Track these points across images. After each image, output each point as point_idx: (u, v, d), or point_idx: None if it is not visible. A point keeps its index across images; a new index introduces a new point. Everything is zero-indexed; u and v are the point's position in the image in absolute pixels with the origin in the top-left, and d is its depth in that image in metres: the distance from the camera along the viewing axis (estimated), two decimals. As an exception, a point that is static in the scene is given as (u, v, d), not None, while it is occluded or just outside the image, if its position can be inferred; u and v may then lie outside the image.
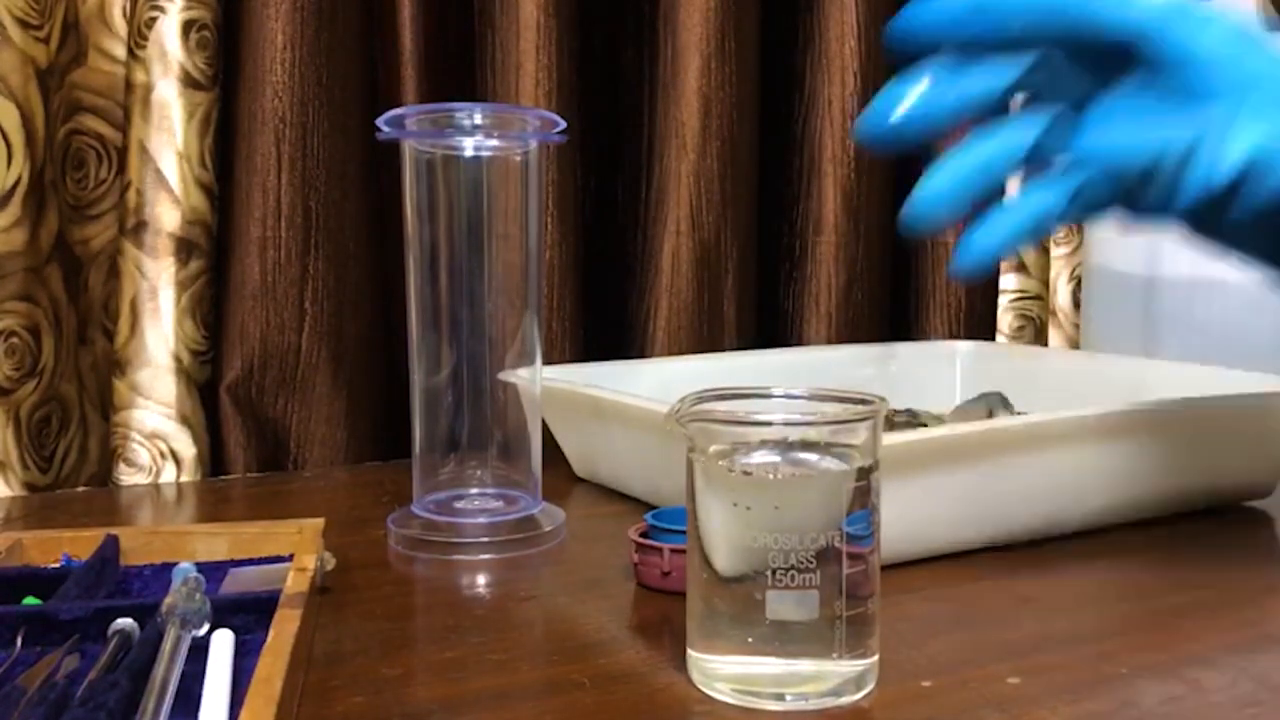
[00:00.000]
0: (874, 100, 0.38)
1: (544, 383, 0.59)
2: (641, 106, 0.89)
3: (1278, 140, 0.35)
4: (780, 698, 0.36)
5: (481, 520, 0.56)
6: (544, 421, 0.61)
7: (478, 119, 0.55)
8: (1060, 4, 0.37)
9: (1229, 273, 0.89)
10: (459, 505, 0.58)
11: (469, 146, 0.55)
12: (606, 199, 0.90)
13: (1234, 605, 0.47)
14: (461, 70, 0.82)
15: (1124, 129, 0.36)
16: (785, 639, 0.36)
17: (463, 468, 0.59)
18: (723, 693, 0.37)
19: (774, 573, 0.35)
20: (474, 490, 0.59)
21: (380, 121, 0.54)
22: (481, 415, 0.58)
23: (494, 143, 0.56)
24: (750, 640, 0.36)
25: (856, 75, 0.92)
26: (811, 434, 0.36)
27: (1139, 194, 0.36)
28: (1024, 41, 0.38)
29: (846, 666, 0.36)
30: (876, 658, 0.37)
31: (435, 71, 0.80)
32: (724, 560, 0.37)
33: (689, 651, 0.38)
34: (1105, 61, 0.38)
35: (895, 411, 0.72)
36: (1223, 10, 0.37)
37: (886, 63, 0.95)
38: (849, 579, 0.36)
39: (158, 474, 0.71)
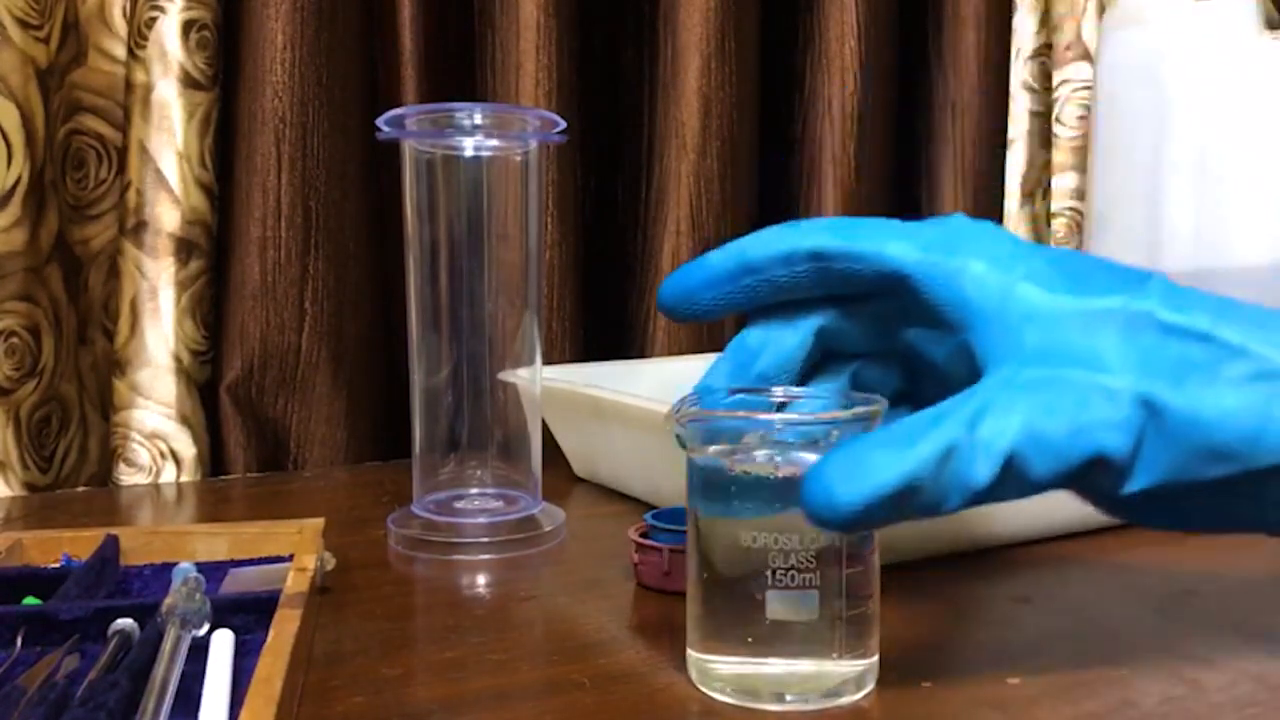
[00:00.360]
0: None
1: (544, 383, 0.59)
2: (641, 106, 0.89)
3: (1037, 431, 0.32)
4: (780, 698, 0.36)
5: (481, 520, 0.56)
6: (544, 421, 0.61)
7: (478, 119, 0.55)
8: (817, 249, 0.37)
9: (1229, 272, 0.89)
10: (459, 505, 0.58)
11: (469, 146, 0.55)
12: (606, 199, 0.90)
13: (1234, 605, 0.47)
14: (461, 70, 0.82)
15: (859, 477, 0.32)
16: (785, 639, 0.36)
17: (463, 468, 0.59)
18: (722, 693, 0.37)
19: (774, 573, 0.35)
20: (474, 490, 0.59)
21: (380, 121, 0.54)
22: (481, 415, 0.58)
23: (494, 143, 0.56)
24: (750, 640, 0.36)
25: (856, 75, 0.92)
26: (812, 434, 0.36)
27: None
28: (797, 292, 0.38)
29: (847, 667, 0.36)
30: (876, 658, 0.37)
31: (435, 71, 0.80)
32: (724, 560, 0.37)
33: (688, 651, 0.38)
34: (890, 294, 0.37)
35: (895, 411, 0.72)
36: (981, 232, 0.36)
37: (883, 65, 0.95)
38: (849, 579, 0.36)
39: (158, 474, 0.71)
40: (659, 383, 0.67)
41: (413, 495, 0.58)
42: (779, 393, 0.39)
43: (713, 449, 0.37)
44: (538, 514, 0.57)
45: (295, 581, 0.42)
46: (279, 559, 0.48)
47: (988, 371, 0.34)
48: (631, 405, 0.59)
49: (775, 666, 0.36)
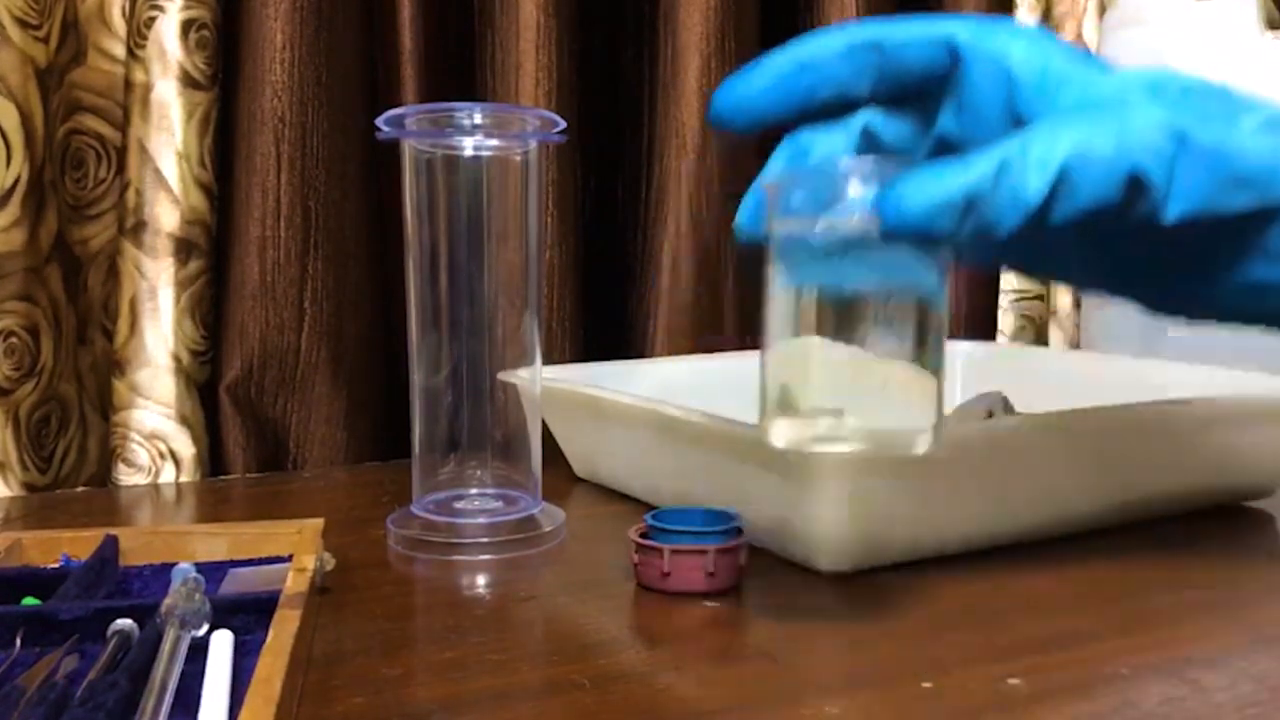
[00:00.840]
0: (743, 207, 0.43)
1: (544, 383, 0.59)
2: (641, 106, 0.89)
3: (1084, 148, 0.35)
4: (857, 443, 0.37)
5: (481, 520, 0.56)
6: (544, 421, 0.61)
7: (478, 119, 0.55)
8: (876, 39, 0.39)
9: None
10: (459, 505, 0.58)
11: (469, 146, 0.55)
12: (606, 199, 0.90)
13: (1234, 605, 0.47)
14: (461, 70, 0.82)
15: (923, 186, 0.35)
16: (872, 388, 0.37)
17: (462, 468, 0.59)
18: (810, 445, 0.38)
19: (873, 315, 0.37)
20: (474, 490, 0.59)
21: (380, 121, 0.54)
22: (481, 415, 0.58)
23: (494, 143, 0.56)
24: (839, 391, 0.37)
25: (856, 75, 0.92)
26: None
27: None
28: (851, 90, 0.39)
29: (927, 419, 0.37)
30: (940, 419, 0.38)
31: (435, 71, 0.80)
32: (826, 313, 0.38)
33: (766, 420, 0.39)
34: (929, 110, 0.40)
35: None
36: (1022, 27, 0.39)
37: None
38: (934, 337, 0.37)
39: (157, 474, 0.71)
40: (659, 383, 0.67)
41: (412, 495, 0.58)
42: (851, 162, 0.40)
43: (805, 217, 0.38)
44: (538, 514, 0.57)
45: (295, 582, 0.42)
46: (279, 559, 0.48)
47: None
48: (631, 405, 0.59)
49: (858, 416, 0.37)
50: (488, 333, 0.57)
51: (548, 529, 0.56)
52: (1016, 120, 0.37)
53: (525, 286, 0.57)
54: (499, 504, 0.58)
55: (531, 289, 0.57)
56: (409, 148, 0.55)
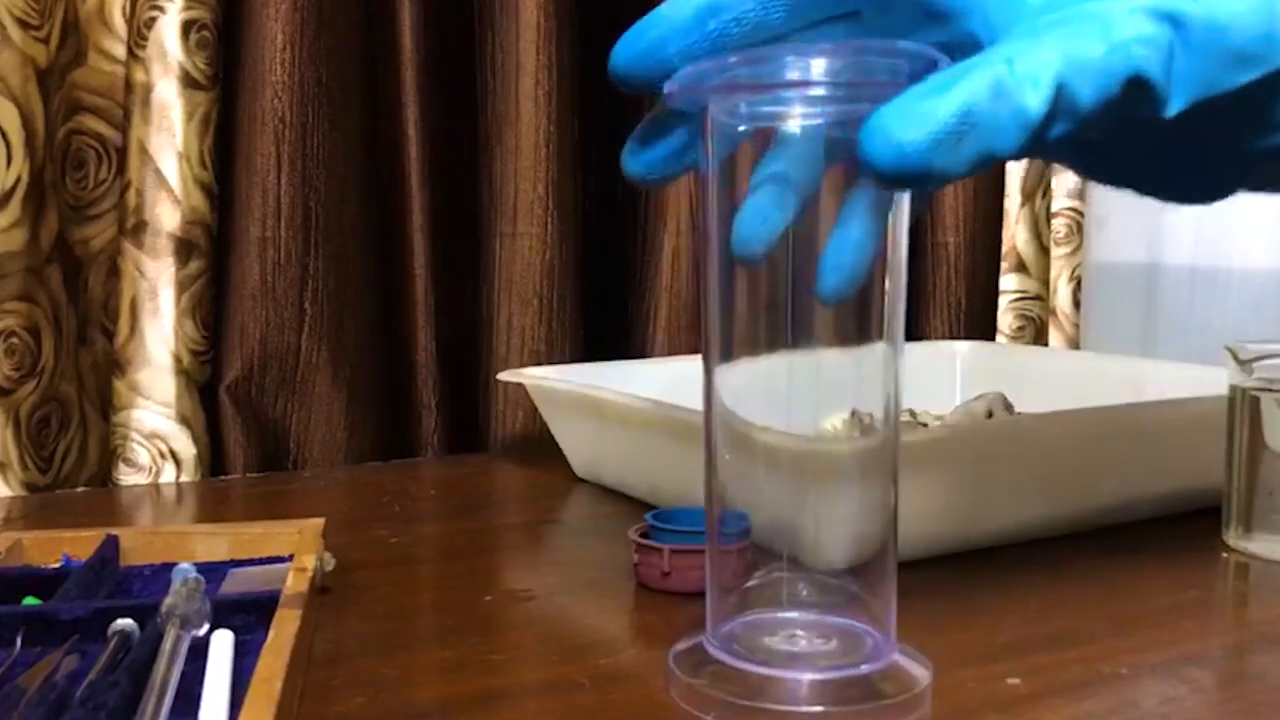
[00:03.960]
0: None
1: (544, 383, 0.59)
2: (642, 106, 0.88)
3: (1075, 57, 0.31)
4: None
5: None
6: (544, 421, 0.61)
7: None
8: None
9: (1229, 273, 0.89)
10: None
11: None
12: (606, 199, 0.90)
13: (1234, 605, 0.47)
14: (461, 70, 0.82)
15: (910, 114, 0.29)
16: None
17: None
18: None
19: None
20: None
21: (671, 84, 0.39)
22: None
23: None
24: None
25: (856, 75, 0.91)
26: None
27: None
28: (768, 28, 0.36)
29: None
30: None
31: (435, 71, 0.80)
32: None
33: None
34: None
35: (895, 411, 0.72)
36: None
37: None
38: None
39: (157, 474, 0.71)
40: (659, 383, 0.67)
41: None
42: None
43: None
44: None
45: (295, 581, 0.42)
46: (279, 559, 0.48)
47: (998, 40, 0.33)
48: (631, 405, 0.59)
49: None
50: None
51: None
52: (976, 41, 0.33)
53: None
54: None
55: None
56: (713, 118, 0.39)
